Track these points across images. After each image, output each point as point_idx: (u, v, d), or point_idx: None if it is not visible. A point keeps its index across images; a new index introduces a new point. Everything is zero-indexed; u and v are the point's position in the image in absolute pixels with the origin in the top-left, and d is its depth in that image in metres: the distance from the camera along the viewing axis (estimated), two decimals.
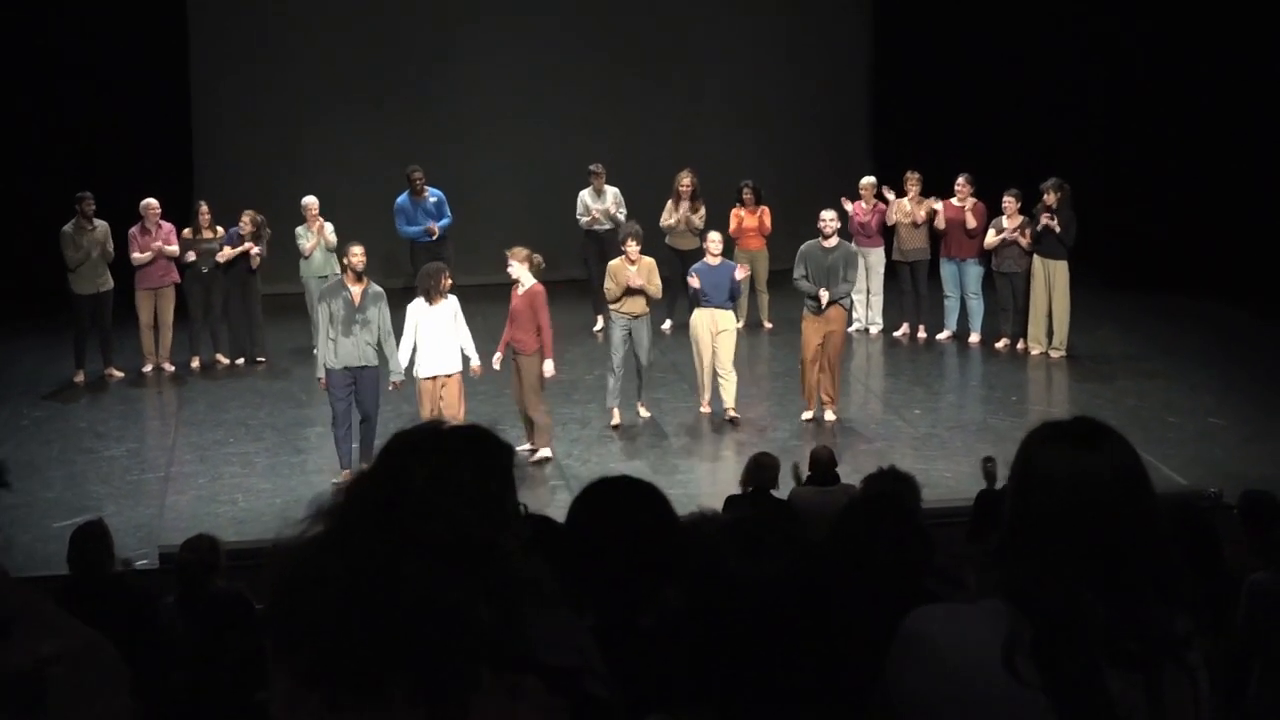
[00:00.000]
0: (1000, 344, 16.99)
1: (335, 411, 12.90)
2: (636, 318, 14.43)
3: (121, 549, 8.57)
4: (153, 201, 16.38)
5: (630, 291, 14.31)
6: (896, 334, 17.74)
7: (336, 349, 12.80)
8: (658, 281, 14.53)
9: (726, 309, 14.58)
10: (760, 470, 10.00)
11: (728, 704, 2.84)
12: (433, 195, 17.83)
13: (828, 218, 14.81)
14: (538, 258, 13.45)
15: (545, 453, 13.45)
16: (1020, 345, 16.85)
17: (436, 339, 13.08)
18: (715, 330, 14.50)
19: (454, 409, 13.10)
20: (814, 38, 21.58)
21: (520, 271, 13.34)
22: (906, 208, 17.46)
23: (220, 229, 16.71)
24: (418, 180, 17.71)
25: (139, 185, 16.89)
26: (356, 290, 12.90)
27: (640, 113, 21.08)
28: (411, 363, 13.09)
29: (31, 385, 16.00)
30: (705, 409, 14.79)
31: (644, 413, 14.72)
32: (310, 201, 16.95)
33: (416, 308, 13.08)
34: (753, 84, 21.41)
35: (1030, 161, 17.64)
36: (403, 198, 17.81)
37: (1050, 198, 16.25)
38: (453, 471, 2.71)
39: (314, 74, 20.46)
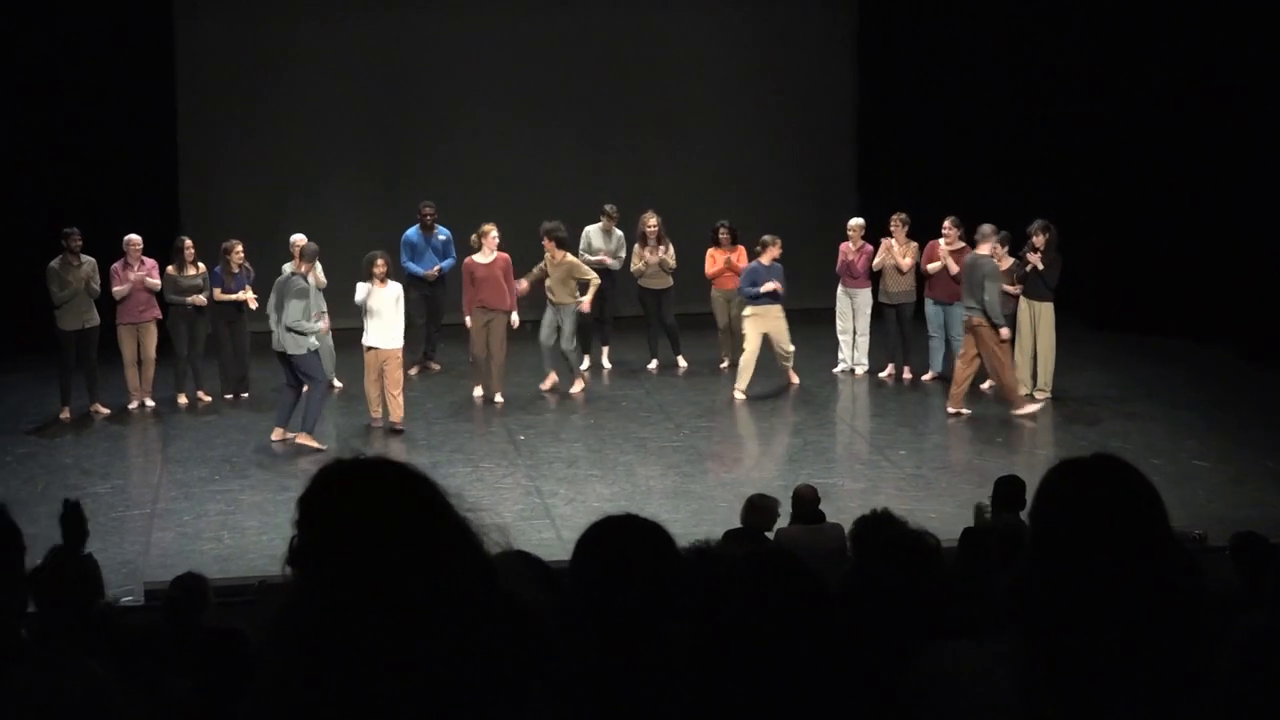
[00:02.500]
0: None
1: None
2: (559, 306, 16.74)
3: (107, 586, 8.56)
4: (135, 237, 16.36)
5: (549, 282, 16.75)
6: (882, 374, 17.79)
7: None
8: (588, 275, 16.86)
9: (774, 304, 16.82)
10: (753, 512, 10.03)
11: None
12: (441, 233, 17.92)
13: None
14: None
15: (500, 398, 16.63)
16: None
17: (382, 317, 15.41)
18: (768, 321, 16.84)
19: (395, 377, 15.45)
20: (799, 80, 21.66)
21: (491, 246, 16.52)
22: (895, 248, 17.51)
23: (202, 265, 16.70)
24: (429, 215, 17.78)
25: (125, 221, 16.90)
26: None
27: (626, 155, 21.14)
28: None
29: (17, 422, 15.97)
30: (740, 395, 16.84)
31: (577, 387, 17.12)
32: (299, 239, 16.91)
33: (364, 288, 15.45)
34: (738, 126, 21.49)
35: (1015, 204, 17.73)
36: (412, 231, 17.85)
37: (1038, 239, 16.32)
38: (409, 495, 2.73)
39: (303, 110, 20.50)
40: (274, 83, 20.44)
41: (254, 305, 16.55)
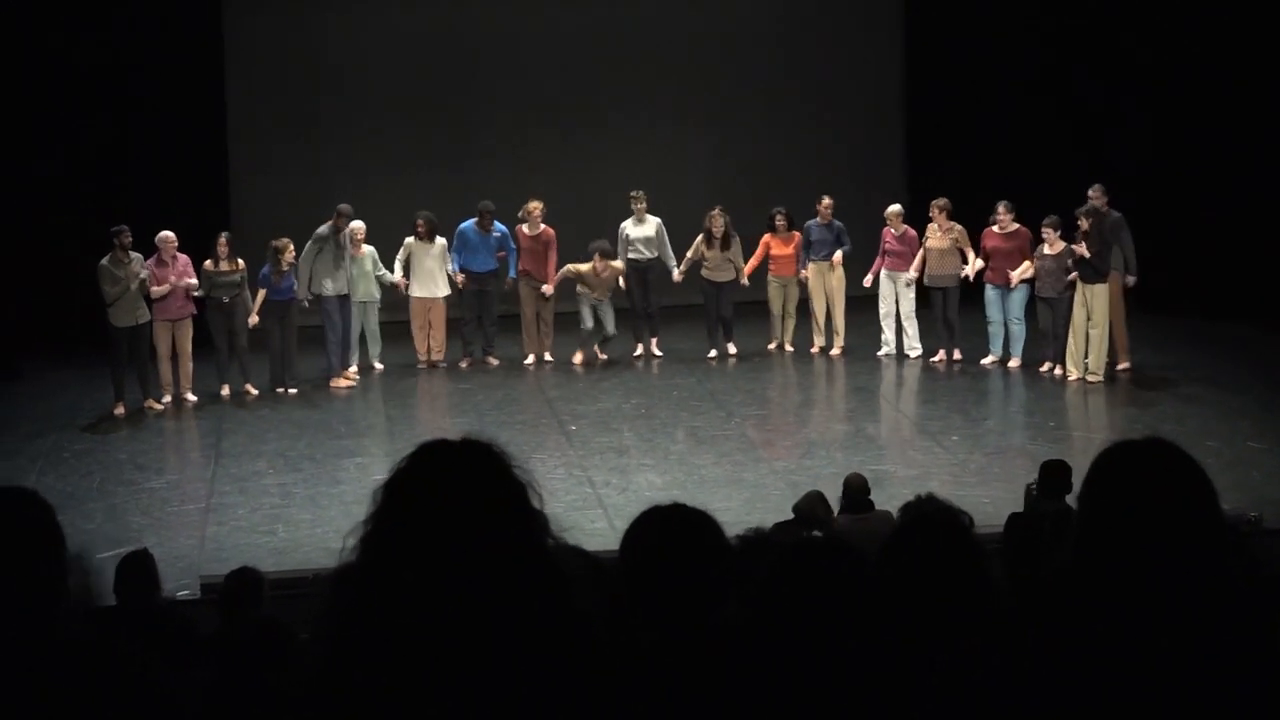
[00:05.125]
0: (1043, 368, 16.94)
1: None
2: (601, 301, 17.79)
3: (162, 580, 8.61)
4: (169, 234, 16.37)
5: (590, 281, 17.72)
6: (934, 360, 17.72)
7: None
8: (617, 266, 17.89)
9: (830, 258, 17.94)
10: (811, 506, 9.97)
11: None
12: (498, 230, 17.89)
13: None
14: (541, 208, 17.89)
15: (548, 355, 17.96)
16: (1059, 370, 16.79)
17: (427, 269, 17.53)
18: (826, 276, 17.99)
19: (440, 320, 17.62)
20: (845, 63, 21.49)
21: (535, 221, 17.80)
22: (938, 233, 17.43)
23: (241, 261, 16.71)
24: (488, 216, 17.81)
25: (175, 218, 16.96)
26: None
27: (669, 141, 21.05)
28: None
29: (71, 418, 16.04)
30: (817, 348, 18.26)
31: (602, 355, 18.05)
32: (357, 226, 17.16)
33: (410, 241, 17.60)
34: (783, 111, 21.36)
35: (1067, 187, 17.59)
36: (469, 227, 17.86)
37: (1084, 223, 16.23)
38: (476, 480, 2.74)
39: (353, 102, 20.49)
40: (326, 76, 20.41)
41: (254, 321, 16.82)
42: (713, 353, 18.22)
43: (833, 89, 21.52)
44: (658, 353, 18.31)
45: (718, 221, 18.00)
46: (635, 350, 18.23)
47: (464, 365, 17.75)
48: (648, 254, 18.15)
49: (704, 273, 18.18)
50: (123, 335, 15.99)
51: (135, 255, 16.06)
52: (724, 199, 18.62)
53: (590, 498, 13.20)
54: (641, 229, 18.17)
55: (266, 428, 15.78)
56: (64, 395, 16.95)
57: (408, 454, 2.85)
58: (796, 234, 18.10)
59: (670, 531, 3.46)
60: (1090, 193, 16.60)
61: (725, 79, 21.23)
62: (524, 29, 20.83)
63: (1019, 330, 17.24)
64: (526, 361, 17.97)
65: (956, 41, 20.79)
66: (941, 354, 17.70)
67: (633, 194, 18.21)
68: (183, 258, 16.49)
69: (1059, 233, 16.56)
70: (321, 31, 20.52)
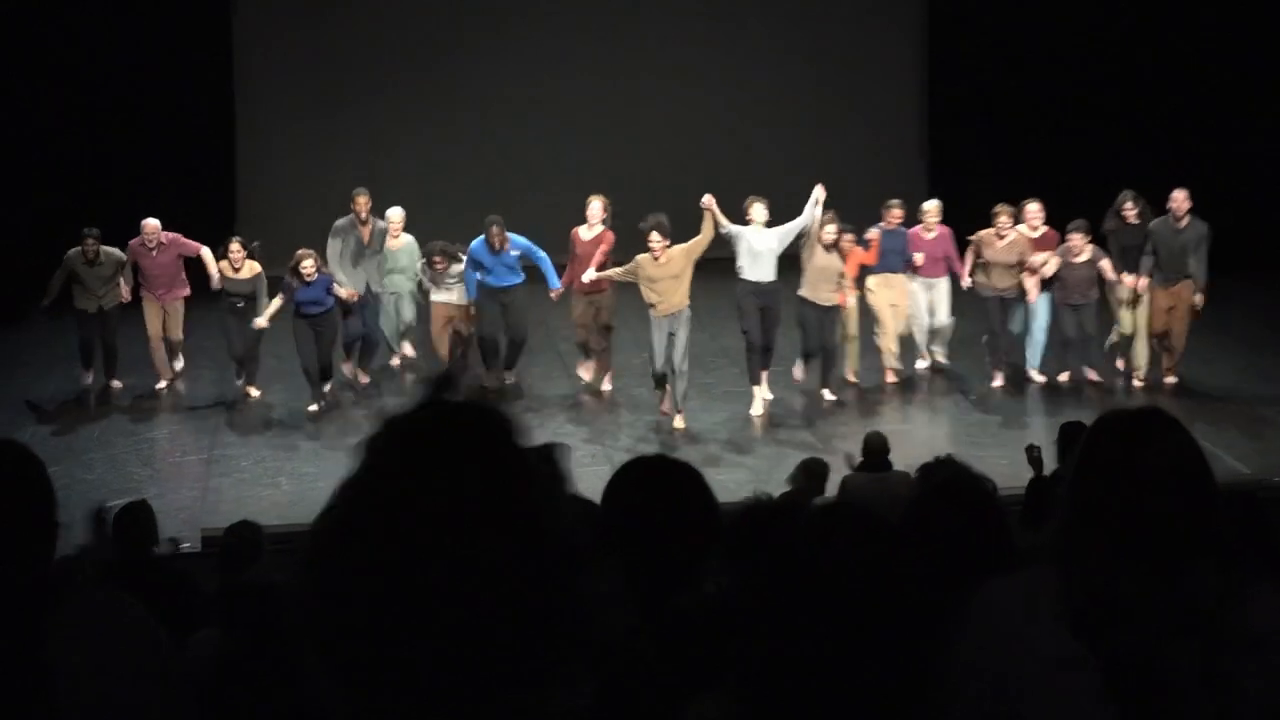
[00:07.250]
0: (1063, 377, 15.42)
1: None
2: (673, 315, 13.93)
3: (163, 532, 8.51)
4: (149, 222, 15.45)
5: (659, 285, 13.94)
6: (994, 384, 15.44)
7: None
8: (704, 241, 14.08)
9: (898, 273, 15.33)
10: (810, 478, 9.82)
11: (774, 685, 2.73)
12: (515, 247, 15.39)
13: (1180, 198, 14.87)
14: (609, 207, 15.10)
15: (608, 384, 15.21)
16: (1092, 375, 15.37)
17: (447, 284, 15.32)
18: (892, 294, 15.35)
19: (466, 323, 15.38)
20: (868, 59, 21.53)
21: (594, 220, 15.04)
22: (999, 243, 15.41)
23: (256, 266, 15.22)
24: (495, 236, 15.22)
25: (181, 214, 16.51)
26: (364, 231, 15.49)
27: (684, 134, 21.00)
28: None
29: (73, 367, 15.83)
30: (892, 377, 15.43)
31: (679, 423, 14.09)
32: (395, 213, 15.96)
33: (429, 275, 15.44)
34: (805, 105, 21.33)
35: (1092, 186, 17.23)
36: (479, 246, 15.35)
37: (1130, 212, 15.12)
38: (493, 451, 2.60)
39: (362, 100, 20.43)
40: (333, 63, 20.35)
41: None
42: (827, 394, 15.04)
43: (854, 83, 21.50)
44: (769, 395, 14.86)
45: (829, 231, 14.65)
46: (753, 408, 14.73)
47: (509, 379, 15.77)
48: (770, 276, 14.53)
49: (804, 291, 14.77)
50: (86, 316, 15.23)
51: (110, 254, 15.20)
52: (741, 194, 18.23)
53: (599, 454, 13.08)
54: (766, 239, 14.46)
55: (272, 379, 15.59)
56: (66, 344, 16.74)
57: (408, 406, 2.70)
58: (858, 248, 15.26)
59: (653, 483, 3.42)
60: (1125, 205, 15.25)
61: (742, 70, 21.20)
62: (540, 17, 20.76)
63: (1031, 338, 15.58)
64: (580, 373, 15.49)
65: (979, 35, 20.77)
66: (1000, 378, 15.56)
67: (752, 199, 14.77)
68: (170, 235, 15.44)
69: (1087, 238, 15.08)
70: (332, 16, 20.39)
